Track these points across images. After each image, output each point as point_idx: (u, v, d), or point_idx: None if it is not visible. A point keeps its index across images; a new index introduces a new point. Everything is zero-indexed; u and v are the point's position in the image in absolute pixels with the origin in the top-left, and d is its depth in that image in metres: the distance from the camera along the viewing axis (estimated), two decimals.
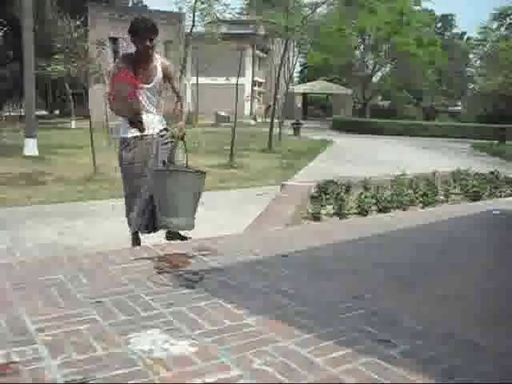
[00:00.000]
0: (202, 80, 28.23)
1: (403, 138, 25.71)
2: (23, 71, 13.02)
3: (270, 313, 2.31)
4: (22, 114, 18.63)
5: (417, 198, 6.45)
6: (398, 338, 2.10)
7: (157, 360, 1.84)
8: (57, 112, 34.58)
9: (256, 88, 38.97)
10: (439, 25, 55.45)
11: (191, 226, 3.47)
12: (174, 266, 2.98)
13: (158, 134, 3.67)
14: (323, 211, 5.62)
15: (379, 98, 45.50)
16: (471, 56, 47.20)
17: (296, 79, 47.03)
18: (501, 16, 32.82)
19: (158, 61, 3.69)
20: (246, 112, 34.81)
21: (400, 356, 1.95)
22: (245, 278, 2.81)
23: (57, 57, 15.38)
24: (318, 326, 2.18)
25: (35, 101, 13.55)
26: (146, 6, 49.73)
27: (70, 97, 21.71)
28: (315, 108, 47.77)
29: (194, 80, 26.85)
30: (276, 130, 17.78)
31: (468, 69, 51.21)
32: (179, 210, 3.40)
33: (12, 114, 27.04)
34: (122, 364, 1.80)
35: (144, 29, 3.56)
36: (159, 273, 2.83)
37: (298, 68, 50.05)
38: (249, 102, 35.94)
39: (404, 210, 5.96)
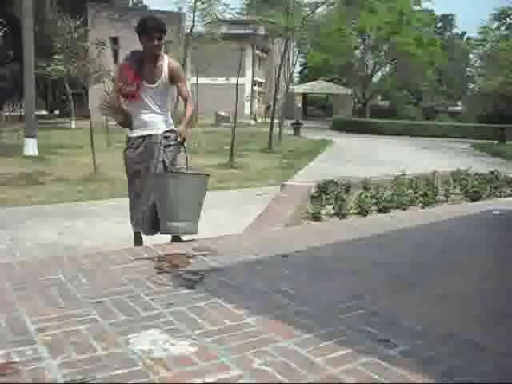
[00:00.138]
0: (202, 80, 28.23)
1: (403, 137, 25.72)
2: (23, 71, 13.03)
3: (269, 313, 2.31)
4: (22, 114, 18.63)
5: (417, 198, 6.45)
6: (398, 338, 2.10)
7: (157, 360, 1.84)
8: (57, 112, 34.59)
9: (256, 88, 38.96)
10: (439, 25, 55.48)
11: (195, 231, 3.46)
12: (174, 265, 2.98)
13: (162, 134, 3.64)
14: (323, 211, 5.62)
15: (379, 97, 45.49)
16: (471, 56, 47.18)
17: (296, 79, 47.07)
18: (501, 16, 32.79)
19: (166, 61, 3.63)
20: (246, 112, 34.80)
21: (400, 356, 1.95)
22: (245, 278, 2.81)
23: (57, 57, 15.36)
24: (318, 326, 2.18)
25: (35, 101, 13.56)
26: (146, 6, 49.81)
27: (70, 97, 21.71)
28: (315, 108, 47.77)
29: (194, 80, 26.86)
30: (276, 130, 17.78)
31: (468, 69, 51.23)
32: (184, 215, 3.39)
33: (12, 113, 27.03)
34: (122, 364, 1.80)
35: (152, 27, 3.50)
36: (159, 273, 2.83)
37: (298, 68, 50.10)
38: (249, 102, 35.93)
39: (404, 210, 5.96)
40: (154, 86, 3.60)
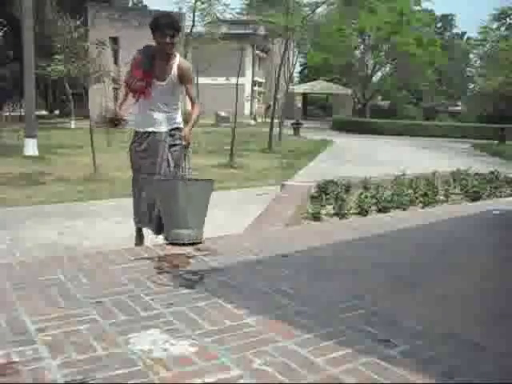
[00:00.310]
0: (202, 80, 28.23)
1: (403, 137, 25.72)
2: (23, 71, 13.02)
3: (270, 313, 2.31)
4: (22, 114, 18.62)
5: (417, 198, 6.45)
6: (398, 338, 2.10)
7: (157, 360, 1.84)
8: (57, 112, 34.59)
9: (256, 88, 38.96)
10: (439, 25, 55.47)
11: (201, 238, 3.45)
12: (174, 265, 2.98)
13: (166, 132, 3.62)
14: (323, 211, 5.62)
15: (379, 98, 45.49)
16: (471, 56, 47.21)
17: (296, 79, 47.06)
18: (501, 16, 32.80)
19: (177, 60, 3.61)
20: (246, 112, 34.81)
21: (400, 356, 1.95)
22: (245, 278, 2.81)
23: (57, 57, 15.37)
24: (318, 326, 2.18)
25: (35, 101, 13.55)
26: (146, 6, 49.82)
27: (70, 97, 21.72)
28: (315, 108, 47.76)
29: (194, 80, 26.86)
30: (276, 130, 17.78)
31: (468, 69, 51.22)
32: (193, 222, 3.37)
33: (12, 113, 27.03)
34: (122, 364, 1.80)
35: (165, 25, 3.47)
36: (159, 273, 2.83)
37: (298, 68, 50.08)
38: (249, 102, 35.94)
39: (404, 210, 5.96)
40: (163, 83, 3.58)
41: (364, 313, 2.36)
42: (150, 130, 3.63)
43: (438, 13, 52.64)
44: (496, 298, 2.77)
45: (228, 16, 22.84)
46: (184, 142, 3.57)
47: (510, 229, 4.78)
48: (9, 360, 1.79)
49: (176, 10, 22.76)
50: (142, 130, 3.68)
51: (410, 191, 6.70)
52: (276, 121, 18.33)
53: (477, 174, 8.35)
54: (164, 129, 3.63)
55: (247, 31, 34.26)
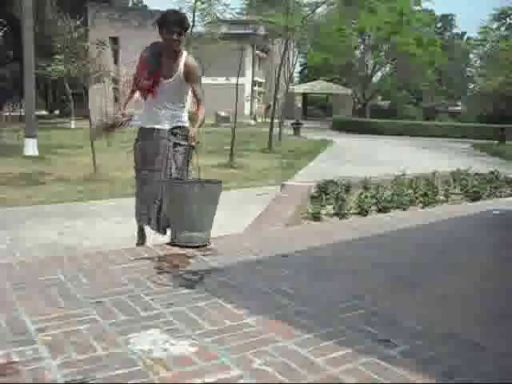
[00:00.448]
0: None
1: (403, 137, 25.71)
2: (23, 71, 13.02)
3: (270, 313, 2.31)
4: (22, 114, 18.62)
5: (417, 198, 6.45)
6: (398, 337, 2.10)
7: (157, 360, 1.84)
8: (57, 112, 34.58)
9: (256, 88, 38.95)
10: (439, 25, 55.46)
11: (209, 240, 3.45)
12: (174, 266, 2.98)
13: (169, 130, 3.58)
14: (323, 211, 5.62)
15: (379, 98, 45.49)
16: (471, 56, 47.19)
17: (296, 79, 47.03)
18: (501, 16, 32.80)
19: (184, 58, 3.55)
20: (246, 112, 34.78)
21: (400, 356, 1.95)
22: (245, 278, 2.81)
23: (57, 57, 15.35)
24: (318, 326, 2.18)
25: (35, 101, 13.55)
26: (146, 6, 49.83)
27: (70, 97, 21.71)
28: (315, 108, 47.76)
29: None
30: (276, 130, 17.77)
31: (468, 69, 51.21)
32: (203, 225, 3.37)
33: (12, 113, 27.03)
34: (122, 364, 1.80)
35: (172, 22, 3.41)
36: (159, 273, 2.83)
37: (298, 68, 50.05)
38: (249, 102, 35.91)
39: (404, 210, 5.96)
40: (169, 81, 3.53)
41: (364, 313, 2.36)
42: (154, 127, 3.60)
43: (438, 13, 52.68)
44: (496, 297, 2.77)
45: (228, 16, 22.81)
46: (193, 143, 3.50)
47: (510, 229, 4.78)
48: (9, 360, 1.79)
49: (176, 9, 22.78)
50: (146, 126, 3.65)
51: (410, 191, 6.70)
52: (276, 121, 18.33)
53: (477, 174, 8.35)
54: (167, 126, 3.59)
55: (247, 31, 34.24)
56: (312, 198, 6.19)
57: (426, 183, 7.36)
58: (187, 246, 3.32)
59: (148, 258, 3.10)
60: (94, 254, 3.32)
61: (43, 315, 2.18)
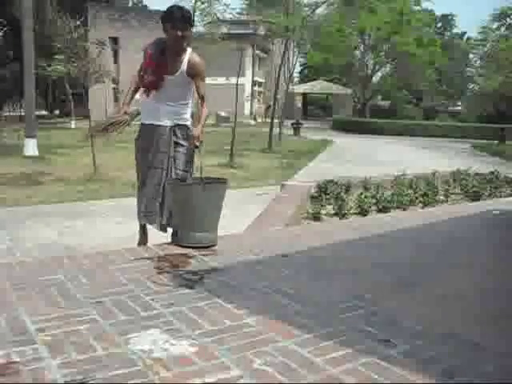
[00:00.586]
0: None
1: (403, 137, 25.71)
2: (23, 71, 13.01)
3: (269, 313, 2.31)
4: (22, 114, 18.62)
5: (417, 198, 6.45)
6: (398, 337, 2.10)
7: (157, 360, 1.84)
8: (57, 112, 34.56)
9: (256, 88, 38.94)
10: (439, 25, 55.42)
11: (216, 240, 3.44)
12: (174, 265, 2.98)
13: (170, 127, 3.54)
14: (323, 211, 5.62)
15: (379, 97, 45.48)
16: (471, 56, 47.19)
17: (296, 79, 47.00)
18: (501, 16, 32.82)
19: (188, 55, 3.50)
20: (246, 112, 34.77)
21: (400, 356, 1.95)
22: (245, 278, 2.81)
23: (57, 57, 15.36)
24: (318, 326, 2.18)
25: (35, 101, 13.54)
26: (146, 6, 49.80)
27: (70, 97, 21.71)
28: (315, 108, 47.75)
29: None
30: (276, 130, 17.77)
31: (468, 69, 51.16)
32: (211, 224, 3.36)
33: (12, 114, 27.02)
34: (122, 364, 1.80)
35: (177, 18, 3.36)
36: (159, 273, 2.83)
37: (298, 68, 50.04)
38: (249, 102, 35.89)
39: (404, 210, 5.96)
40: (172, 77, 3.48)
41: (364, 313, 2.36)
42: (154, 123, 3.55)
43: (438, 13, 52.64)
44: (496, 297, 2.77)
45: (228, 16, 22.81)
46: (196, 142, 3.45)
47: (510, 229, 4.78)
48: (9, 360, 1.80)
49: None
50: (146, 122, 3.60)
51: (410, 191, 6.70)
52: (276, 121, 18.33)
53: (477, 174, 8.35)
54: (168, 123, 3.54)
55: (247, 31, 34.23)
56: (312, 197, 6.20)
57: (426, 183, 7.37)
58: (193, 247, 3.32)
59: (148, 258, 3.10)
60: (93, 254, 3.32)
61: (43, 315, 2.18)
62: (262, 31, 32.08)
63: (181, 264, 3.01)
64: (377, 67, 38.41)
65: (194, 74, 3.51)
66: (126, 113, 3.59)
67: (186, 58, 3.49)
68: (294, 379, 1.75)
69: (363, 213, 5.70)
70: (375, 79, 41.47)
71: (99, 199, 7.32)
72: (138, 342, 1.97)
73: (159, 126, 3.54)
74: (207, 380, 1.72)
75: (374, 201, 5.93)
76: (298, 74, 51.51)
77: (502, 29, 33.53)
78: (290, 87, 26.74)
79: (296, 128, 24.19)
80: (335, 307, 2.41)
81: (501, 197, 7.08)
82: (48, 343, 1.93)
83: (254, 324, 2.18)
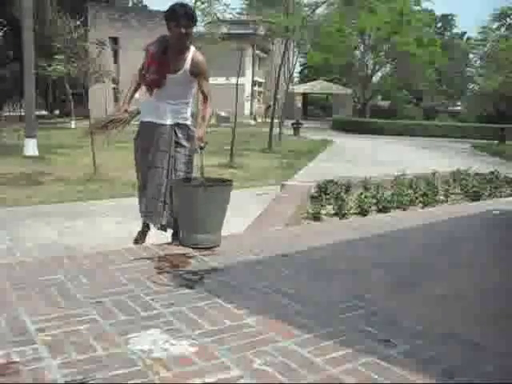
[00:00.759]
0: None
1: (403, 137, 25.71)
2: (23, 71, 13.01)
3: (269, 313, 2.31)
4: (22, 114, 18.62)
5: (417, 198, 6.45)
6: (398, 337, 2.10)
7: (157, 360, 1.84)
8: (57, 112, 34.55)
9: (256, 88, 38.93)
10: (439, 25, 55.41)
11: (219, 241, 3.44)
12: (174, 265, 2.98)
13: (171, 126, 3.50)
14: (323, 211, 5.62)
15: (379, 97, 45.48)
16: (471, 56, 47.19)
17: (296, 79, 47.00)
18: (501, 16, 32.82)
19: (191, 54, 3.46)
20: (246, 112, 34.77)
21: (400, 356, 1.95)
22: (245, 278, 2.81)
23: (57, 57, 15.36)
24: (318, 326, 2.18)
25: (35, 101, 13.54)
26: (146, 6, 49.77)
27: (70, 97, 21.71)
28: (315, 108, 47.76)
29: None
30: (276, 130, 17.78)
31: (468, 69, 51.15)
32: (214, 226, 3.36)
33: (12, 114, 27.01)
34: (122, 364, 1.80)
35: (182, 15, 3.32)
36: (159, 273, 2.83)
37: (298, 68, 50.02)
38: (249, 102, 35.89)
39: (404, 210, 5.96)
40: (175, 76, 3.44)
41: (364, 313, 2.36)
42: (155, 121, 3.51)
43: (438, 13, 52.62)
44: (496, 297, 2.77)
45: (228, 16, 22.81)
46: (201, 143, 3.41)
47: (510, 229, 4.78)
48: (9, 360, 1.79)
49: None
50: (145, 120, 3.56)
51: (410, 191, 6.70)
52: (276, 121, 18.33)
53: (477, 174, 8.36)
54: (169, 122, 3.51)
55: (247, 31, 34.22)
56: (312, 198, 6.20)
57: (426, 183, 7.37)
58: (194, 247, 3.31)
59: (148, 258, 3.10)
60: (94, 254, 3.32)
61: (43, 315, 2.18)
62: (261, 31, 32.08)
63: (181, 264, 3.01)
64: (377, 67, 38.42)
65: (197, 72, 3.49)
66: (126, 111, 3.57)
67: (189, 56, 3.46)
68: (294, 379, 1.75)
69: (363, 213, 5.70)
70: (375, 79, 41.49)
71: (99, 199, 7.32)
72: (137, 342, 1.97)
73: (160, 124, 3.50)
74: (207, 380, 1.72)
75: (374, 201, 5.93)
76: (298, 74, 51.53)
77: (502, 29, 33.56)
78: (290, 87, 26.73)
79: (296, 128, 24.19)
80: (335, 307, 2.41)
81: (501, 197, 7.08)
82: (48, 343, 1.93)
83: (253, 324, 2.18)
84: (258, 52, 38.65)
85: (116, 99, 27.15)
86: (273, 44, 33.05)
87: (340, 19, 33.07)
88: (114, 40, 29.93)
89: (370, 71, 37.87)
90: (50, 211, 6.43)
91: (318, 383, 1.74)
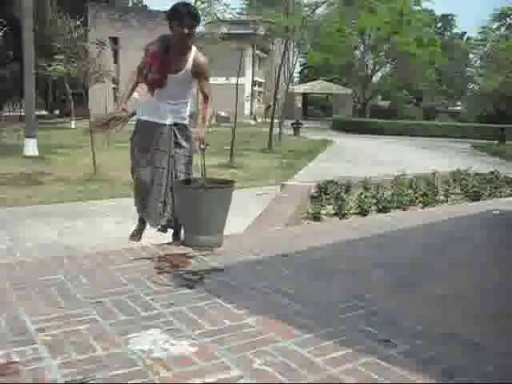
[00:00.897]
0: None
1: (403, 137, 25.71)
2: (23, 71, 13.01)
3: (269, 313, 2.31)
4: (22, 114, 18.61)
5: (417, 198, 6.45)
6: (398, 337, 2.10)
7: (157, 360, 1.84)
8: (57, 112, 34.54)
9: (256, 88, 38.93)
10: (439, 25, 55.41)
11: (221, 242, 3.44)
12: (174, 265, 2.98)
13: (170, 125, 3.48)
14: (323, 211, 5.62)
15: (379, 97, 45.47)
16: (471, 56, 47.19)
17: (296, 79, 46.99)
18: (501, 16, 32.83)
19: (193, 54, 3.44)
20: (246, 112, 34.76)
21: (400, 356, 1.95)
22: (245, 278, 2.81)
23: (57, 57, 15.35)
24: (318, 326, 2.18)
25: (35, 101, 13.54)
26: (146, 6, 49.77)
27: (70, 97, 21.71)
28: (315, 108, 47.75)
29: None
30: (276, 130, 17.77)
31: (468, 69, 51.15)
32: (216, 227, 3.36)
33: (12, 113, 27.00)
34: (122, 364, 1.80)
35: (185, 14, 3.28)
36: (159, 273, 2.83)
37: (298, 68, 50.01)
38: (249, 102, 35.89)
39: (404, 210, 5.96)
40: (176, 76, 3.42)
41: (364, 313, 2.36)
42: (154, 121, 3.49)
43: (438, 13, 52.61)
44: (496, 297, 2.77)
45: (228, 16, 22.80)
46: (202, 144, 3.40)
47: (510, 229, 4.78)
48: (9, 360, 1.79)
49: None
50: (143, 118, 3.53)
51: (410, 191, 6.70)
52: (276, 121, 18.33)
53: (477, 174, 8.35)
54: (168, 121, 3.49)
55: (247, 31, 34.21)
56: (312, 197, 6.20)
57: (426, 183, 7.37)
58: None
59: (148, 258, 3.10)
60: (94, 254, 3.32)
61: (43, 315, 2.18)
62: (261, 31, 32.07)
63: (181, 264, 3.01)
64: (377, 67, 38.42)
65: (198, 73, 3.47)
66: (124, 110, 3.56)
67: (190, 56, 3.44)
68: (294, 379, 1.75)
69: (363, 213, 5.70)
70: (375, 79, 41.48)
71: (99, 199, 7.32)
72: (137, 342, 1.97)
73: (159, 124, 3.48)
74: (207, 380, 1.72)
75: (374, 201, 5.93)
76: (298, 74, 51.51)
77: (502, 29, 33.56)
78: (290, 87, 26.73)
79: (296, 128, 24.19)
80: (335, 307, 2.41)
81: (501, 197, 7.08)
82: (48, 343, 1.93)
83: (253, 324, 2.18)
84: (258, 52, 38.65)
85: (116, 99, 27.15)
86: (273, 44, 33.04)
87: (340, 19, 33.07)
88: (114, 40, 29.95)
89: (369, 71, 37.87)
90: (49, 211, 6.43)
91: (317, 383, 1.74)
